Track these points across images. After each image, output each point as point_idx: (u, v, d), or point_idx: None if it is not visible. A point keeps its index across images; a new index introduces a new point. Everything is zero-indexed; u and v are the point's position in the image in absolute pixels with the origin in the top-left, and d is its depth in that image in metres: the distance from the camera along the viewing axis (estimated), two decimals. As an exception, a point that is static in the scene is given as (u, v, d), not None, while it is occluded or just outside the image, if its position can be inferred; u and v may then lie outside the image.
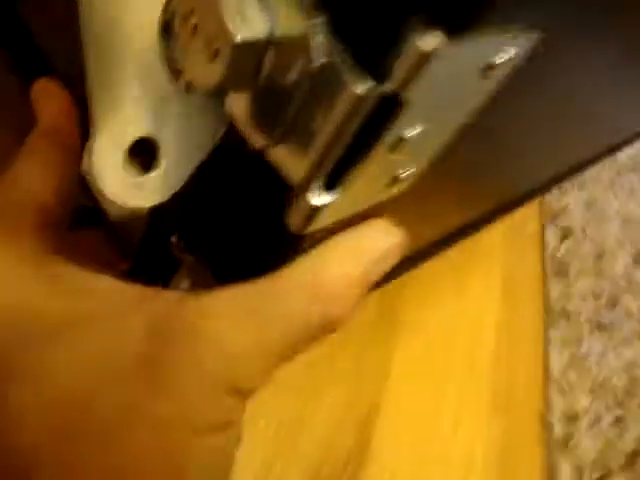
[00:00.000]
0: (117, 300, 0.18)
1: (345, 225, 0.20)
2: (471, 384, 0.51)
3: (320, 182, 0.15)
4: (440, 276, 0.55)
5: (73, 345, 0.17)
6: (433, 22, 0.12)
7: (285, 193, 0.16)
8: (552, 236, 0.64)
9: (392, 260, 0.21)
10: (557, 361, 0.54)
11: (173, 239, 0.22)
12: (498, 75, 0.15)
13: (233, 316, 0.18)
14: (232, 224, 0.20)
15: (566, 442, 0.48)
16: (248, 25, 0.13)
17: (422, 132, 0.15)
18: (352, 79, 0.13)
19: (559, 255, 0.62)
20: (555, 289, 0.60)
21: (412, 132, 0.15)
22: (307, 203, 0.16)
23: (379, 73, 0.13)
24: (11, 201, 0.20)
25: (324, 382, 0.45)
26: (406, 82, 0.13)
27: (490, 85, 0.16)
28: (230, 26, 0.13)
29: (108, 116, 0.18)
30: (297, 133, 0.15)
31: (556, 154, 0.39)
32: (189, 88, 0.14)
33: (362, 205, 0.18)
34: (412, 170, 0.18)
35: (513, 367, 0.53)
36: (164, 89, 0.18)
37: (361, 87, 0.13)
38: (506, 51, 0.14)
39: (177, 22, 0.14)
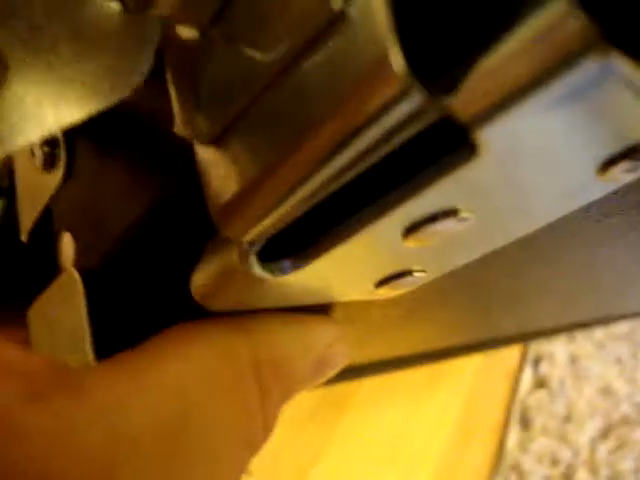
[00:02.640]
0: None
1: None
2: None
3: (269, 239, 0.10)
4: (399, 382, 0.49)
5: None
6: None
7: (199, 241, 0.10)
8: (527, 381, 0.58)
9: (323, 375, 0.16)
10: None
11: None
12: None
13: None
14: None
15: None
16: None
17: (471, 224, 0.10)
18: (399, 59, 0.07)
19: (528, 403, 0.56)
20: (512, 440, 0.53)
21: (454, 221, 0.09)
22: (241, 266, 0.10)
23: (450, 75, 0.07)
24: None
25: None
26: (505, 109, 0.07)
27: (609, 187, 0.10)
28: None
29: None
30: (257, 133, 0.09)
31: (564, 306, 0.34)
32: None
33: (318, 298, 0.12)
34: (421, 275, 0.12)
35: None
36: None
37: (413, 85, 0.07)
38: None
39: None
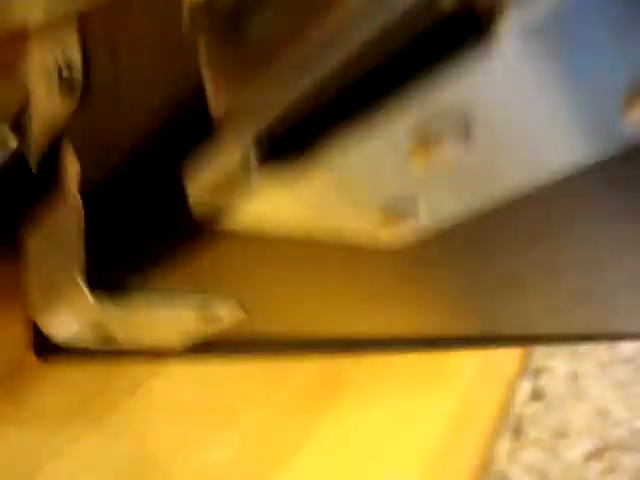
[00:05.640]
0: None
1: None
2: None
3: (270, 142, 0.09)
4: (394, 377, 0.48)
5: None
6: None
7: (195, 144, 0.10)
8: (524, 391, 0.57)
9: None
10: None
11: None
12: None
13: None
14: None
15: None
16: None
17: (476, 155, 0.09)
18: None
19: (522, 414, 0.56)
20: (503, 448, 0.53)
21: (461, 146, 0.09)
22: (238, 173, 0.09)
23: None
24: None
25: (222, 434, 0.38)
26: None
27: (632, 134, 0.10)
28: None
29: None
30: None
31: (568, 310, 0.33)
32: None
33: (322, 229, 0.12)
34: (422, 222, 0.12)
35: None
36: None
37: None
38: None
39: None
